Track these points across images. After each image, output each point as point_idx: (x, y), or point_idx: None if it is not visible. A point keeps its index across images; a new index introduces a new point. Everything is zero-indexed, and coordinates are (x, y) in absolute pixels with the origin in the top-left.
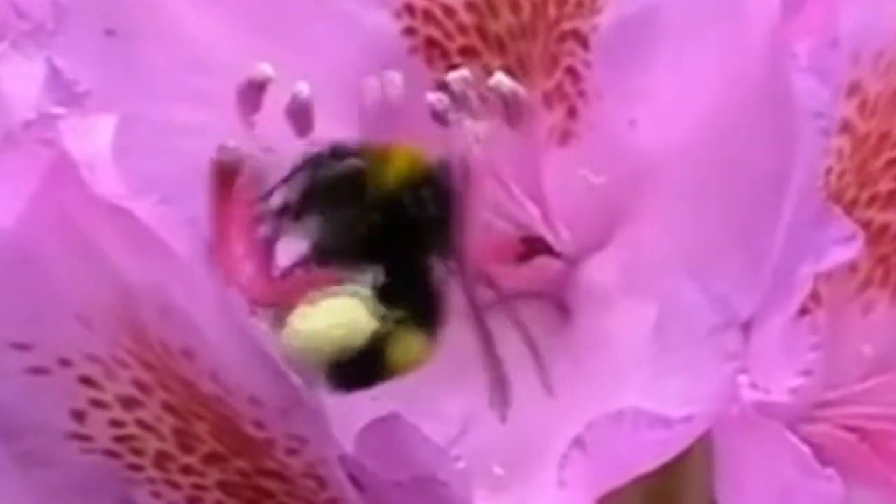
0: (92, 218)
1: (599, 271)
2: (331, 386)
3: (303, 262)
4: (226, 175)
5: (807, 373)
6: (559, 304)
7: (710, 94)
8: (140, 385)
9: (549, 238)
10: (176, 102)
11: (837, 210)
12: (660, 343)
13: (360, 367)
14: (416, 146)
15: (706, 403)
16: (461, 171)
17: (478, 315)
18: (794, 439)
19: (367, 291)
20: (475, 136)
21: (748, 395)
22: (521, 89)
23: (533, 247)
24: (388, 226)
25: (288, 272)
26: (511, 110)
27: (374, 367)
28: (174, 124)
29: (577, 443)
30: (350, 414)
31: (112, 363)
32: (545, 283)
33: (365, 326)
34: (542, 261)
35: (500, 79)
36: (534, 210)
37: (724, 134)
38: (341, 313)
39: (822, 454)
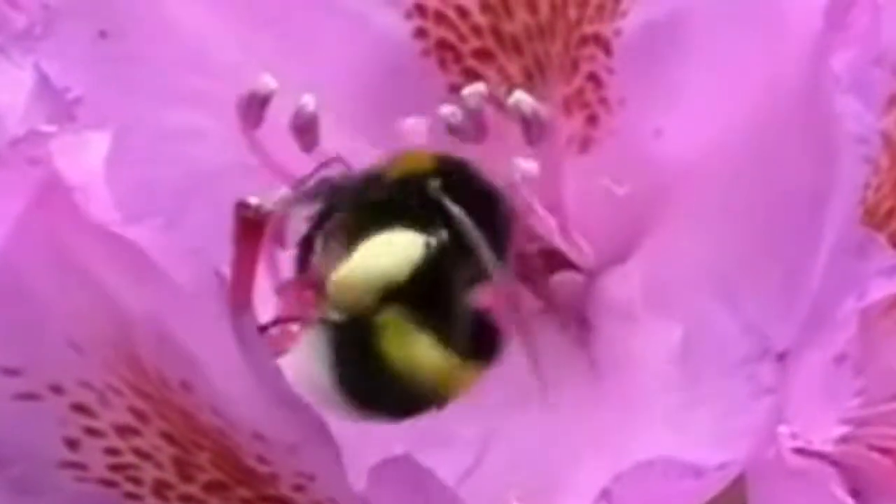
0: (85, 243)
1: (621, 286)
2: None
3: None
4: (250, 231)
5: (851, 421)
6: (580, 319)
7: (743, 104)
8: (137, 413)
9: (568, 251)
10: (174, 106)
11: (880, 238)
12: (687, 368)
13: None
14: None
15: (740, 444)
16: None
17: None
18: (839, 491)
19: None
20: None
21: (788, 443)
22: (542, 108)
23: (552, 260)
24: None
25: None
26: (531, 129)
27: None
28: (173, 129)
29: (605, 495)
30: (361, 448)
31: (106, 390)
32: (565, 297)
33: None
34: (561, 274)
35: (520, 97)
36: (551, 221)
37: (757, 148)
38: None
39: (856, 478)
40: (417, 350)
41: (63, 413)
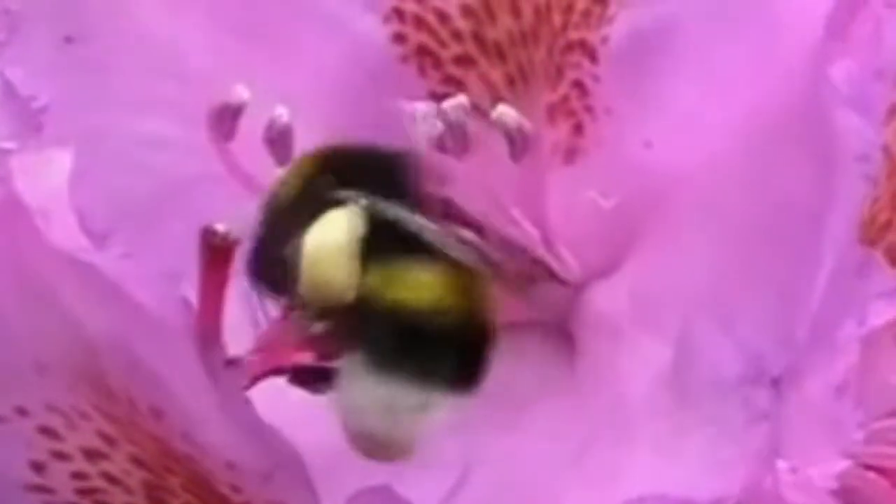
0: (49, 265)
1: (607, 300)
2: None
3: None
4: (217, 258)
5: (853, 456)
6: (565, 334)
7: (735, 116)
8: (105, 437)
9: (551, 262)
10: (143, 113)
11: (879, 258)
12: (677, 390)
13: None
14: None
15: (734, 474)
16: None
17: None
18: None
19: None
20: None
21: (786, 478)
22: (526, 122)
23: (537, 272)
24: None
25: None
26: (515, 144)
27: None
28: (141, 137)
29: None
30: (337, 477)
31: (73, 414)
32: (550, 310)
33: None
34: (546, 287)
35: (504, 110)
36: (533, 232)
37: (751, 161)
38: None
39: (852, 498)
40: (420, 276)
41: (29, 436)
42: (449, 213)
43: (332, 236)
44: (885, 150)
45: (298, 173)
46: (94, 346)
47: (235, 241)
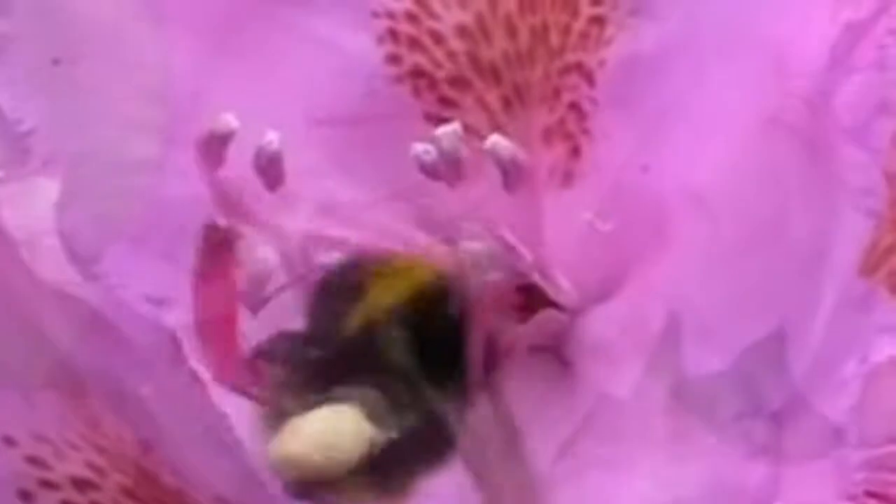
0: (34, 297)
1: (604, 326)
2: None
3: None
4: (214, 252)
5: (854, 498)
6: (563, 359)
7: (735, 144)
8: (94, 468)
9: (546, 287)
10: (130, 136)
11: (881, 291)
12: (674, 420)
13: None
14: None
15: None
16: (465, 291)
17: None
18: None
19: (358, 406)
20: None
21: None
22: (520, 152)
23: (532, 296)
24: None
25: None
26: (509, 175)
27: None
28: (128, 160)
29: None
30: None
31: (62, 444)
32: (546, 336)
33: (359, 441)
34: (542, 313)
35: (497, 140)
36: (530, 257)
37: (751, 189)
38: (334, 424)
39: None
40: None
41: (17, 465)
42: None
43: (324, 455)
44: (889, 177)
45: (375, 296)
46: (82, 377)
47: (237, 235)
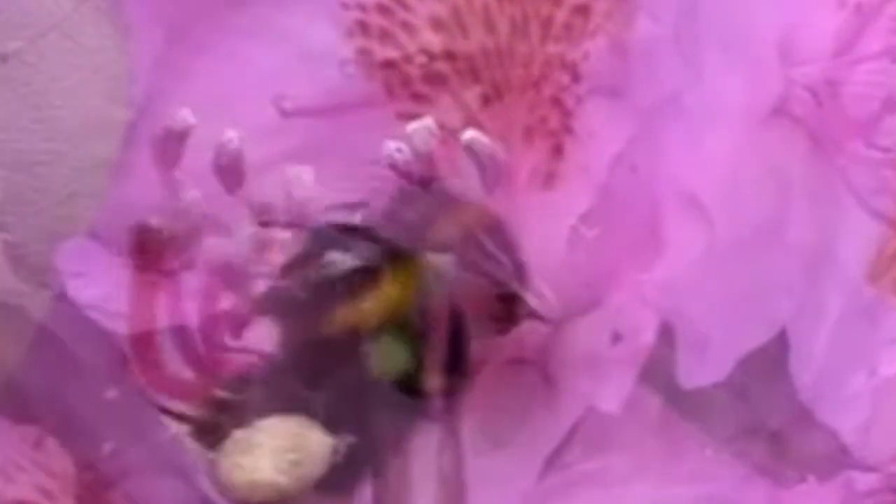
0: None
1: (591, 337)
2: None
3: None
4: (147, 250)
5: None
6: (545, 373)
7: (734, 139)
8: (43, 491)
9: (526, 296)
10: (88, 135)
11: (889, 299)
12: (666, 438)
13: None
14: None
15: None
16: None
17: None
18: None
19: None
20: None
21: None
22: (499, 149)
23: (513, 305)
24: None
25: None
26: (487, 172)
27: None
28: (88, 162)
29: None
30: None
31: (9, 466)
32: (527, 349)
33: (318, 453)
34: (523, 324)
35: (474, 136)
36: (506, 262)
37: (749, 188)
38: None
39: None
40: None
41: None
42: None
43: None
44: None
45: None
46: (26, 395)
47: (172, 237)
